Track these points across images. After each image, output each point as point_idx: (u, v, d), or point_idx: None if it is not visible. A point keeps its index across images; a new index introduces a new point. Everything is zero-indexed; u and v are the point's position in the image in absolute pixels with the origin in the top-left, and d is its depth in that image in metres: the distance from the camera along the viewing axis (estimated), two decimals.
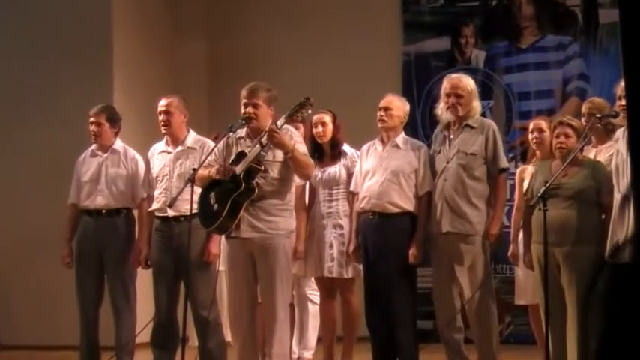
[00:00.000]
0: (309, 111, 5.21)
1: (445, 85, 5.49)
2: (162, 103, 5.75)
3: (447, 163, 5.41)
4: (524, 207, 5.37)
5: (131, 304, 5.94)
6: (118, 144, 6.10)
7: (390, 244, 5.47)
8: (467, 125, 5.44)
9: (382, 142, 5.66)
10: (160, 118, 5.73)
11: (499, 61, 7.85)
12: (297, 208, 5.62)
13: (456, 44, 7.95)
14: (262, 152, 5.13)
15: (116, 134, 6.11)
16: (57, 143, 7.51)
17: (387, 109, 5.61)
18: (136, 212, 6.00)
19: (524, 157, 6.54)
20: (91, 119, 6.04)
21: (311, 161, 5.30)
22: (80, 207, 6.05)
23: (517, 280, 5.81)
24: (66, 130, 7.42)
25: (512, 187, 6.10)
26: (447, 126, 5.52)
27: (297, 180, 5.45)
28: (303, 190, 5.90)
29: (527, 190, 5.35)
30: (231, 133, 5.25)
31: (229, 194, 5.14)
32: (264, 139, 5.10)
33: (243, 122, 5.22)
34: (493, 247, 5.43)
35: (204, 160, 5.30)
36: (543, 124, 5.68)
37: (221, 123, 5.99)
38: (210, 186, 5.24)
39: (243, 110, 5.23)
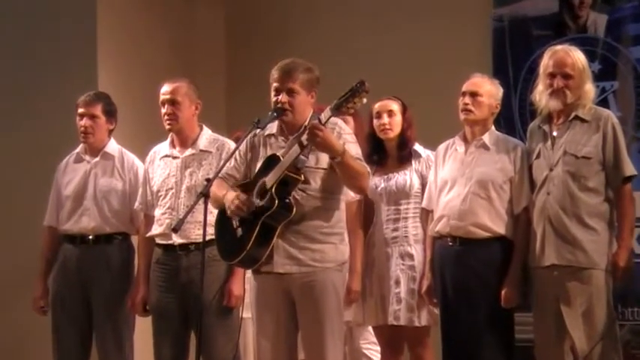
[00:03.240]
0: (365, 100, 5.13)
1: (546, 61, 5.47)
2: (166, 89, 5.81)
3: (551, 170, 5.40)
4: None
5: None
6: (112, 146, 6.22)
7: (476, 280, 5.50)
8: (576, 117, 5.42)
9: (464, 140, 5.68)
10: (163, 110, 5.80)
11: (626, 28, 7.79)
12: (351, 231, 5.65)
13: (567, 5, 7.93)
14: (302, 156, 5.12)
15: (110, 132, 6.21)
16: (22, 146, 7.56)
17: (473, 94, 5.62)
18: (135, 239, 6.08)
19: None
20: (81, 110, 6.14)
21: (366, 168, 5.27)
22: (60, 231, 6.15)
23: None
24: (31, 129, 7.44)
25: None
26: (549, 118, 5.50)
27: (349, 194, 5.45)
28: (359, 207, 5.91)
29: None
30: (258, 130, 5.27)
31: (258, 214, 5.13)
32: (303, 138, 5.08)
33: (275, 115, 5.21)
34: (619, 284, 5.41)
35: (222, 168, 5.30)
36: None
37: (243, 117, 6.02)
38: None
39: (274, 98, 5.23)
